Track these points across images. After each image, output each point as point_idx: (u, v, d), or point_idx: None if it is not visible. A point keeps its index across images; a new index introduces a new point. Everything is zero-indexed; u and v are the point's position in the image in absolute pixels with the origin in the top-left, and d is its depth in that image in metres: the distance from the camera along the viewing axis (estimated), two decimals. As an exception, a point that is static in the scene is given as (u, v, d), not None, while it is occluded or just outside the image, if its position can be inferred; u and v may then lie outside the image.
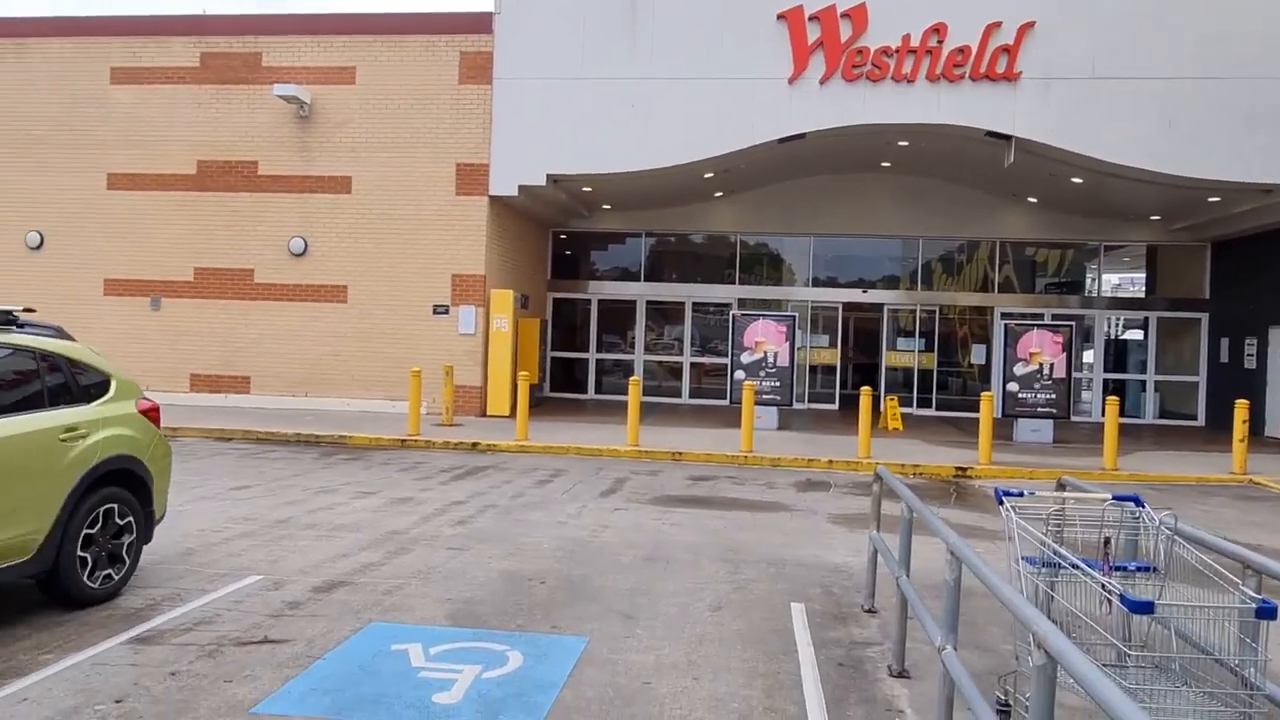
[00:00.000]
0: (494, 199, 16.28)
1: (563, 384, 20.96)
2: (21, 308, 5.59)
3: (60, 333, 5.81)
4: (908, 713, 4.35)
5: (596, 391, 20.89)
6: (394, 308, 16.40)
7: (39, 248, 17.26)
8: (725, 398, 18.91)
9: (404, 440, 13.15)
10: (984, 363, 19.93)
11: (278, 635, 5.06)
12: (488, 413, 16.37)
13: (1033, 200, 19.04)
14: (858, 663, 4.98)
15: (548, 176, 15.87)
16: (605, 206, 19.94)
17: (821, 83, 14.86)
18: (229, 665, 4.60)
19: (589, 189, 17.51)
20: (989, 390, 14.54)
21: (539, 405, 17.90)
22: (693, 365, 20.67)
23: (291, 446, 12.83)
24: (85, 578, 5.36)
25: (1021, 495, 4.15)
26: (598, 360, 20.98)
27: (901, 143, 16.38)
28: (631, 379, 13.28)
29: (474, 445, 12.97)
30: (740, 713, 4.28)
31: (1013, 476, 11.88)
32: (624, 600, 5.94)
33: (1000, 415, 15.25)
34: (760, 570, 6.83)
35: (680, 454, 12.63)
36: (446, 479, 10.45)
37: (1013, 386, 15.25)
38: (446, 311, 16.27)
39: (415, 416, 13.59)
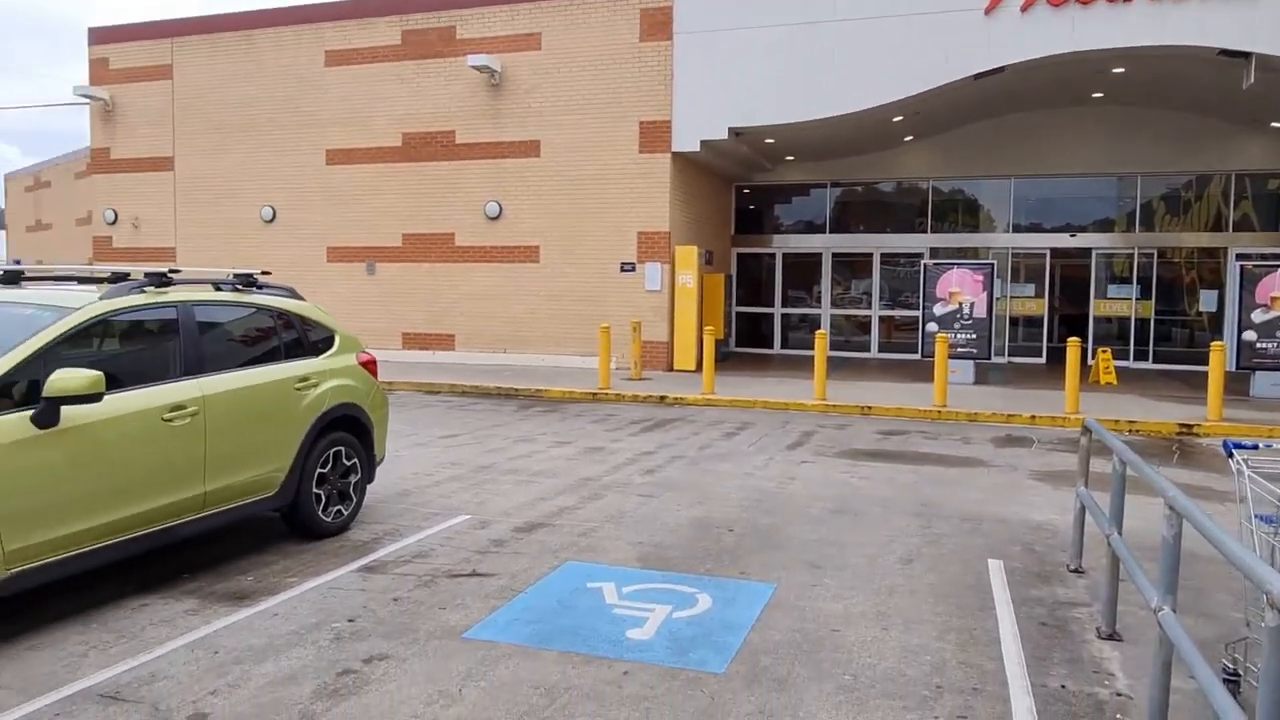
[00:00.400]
0: (676, 155, 16.35)
1: (748, 339, 20.93)
2: (260, 271, 6.25)
3: (292, 293, 6.45)
4: (1118, 676, 4.11)
5: (782, 347, 20.72)
6: (583, 266, 16.93)
7: (271, 221, 19.11)
8: (916, 352, 18.25)
9: (595, 394, 13.64)
10: (1214, 310, 18.03)
11: (484, 570, 5.45)
12: (674, 367, 16.64)
13: (1277, 125, 16.85)
14: (1062, 623, 4.73)
15: (729, 130, 15.74)
16: (788, 158, 19.55)
17: (1023, 9, 13.77)
18: (442, 594, 5.02)
19: (771, 141, 17.21)
20: (1220, 340, 13.15)
21: (724, 360, 18.00)
22: (881, 319, 20.03)
23: (493, 399, 13.63)
24: (320, 512, 5.99)
25: (1255, 448, 3.78)
26: (783, 315, 20.76)
27: (1116, 70, 14.92)
28: (817, 333, 13.06)
29: (661, 399, 13.25)
30: (933, 664, 4.19)
31: (1248, 435, 10.74)
32: (811, 550, 5.93)
33: (1234, 368, 13.78)
34: (954, 525, 6.60)
35: (869, 408, 12.33)
36: (636, 430, 10.76)
37: (1249, 335, 13.72)
38: (633, 269, 16.60)
39: (605, 371, 14.04)
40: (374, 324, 18.05)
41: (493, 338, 17.65)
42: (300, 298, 6.50)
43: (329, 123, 18.45)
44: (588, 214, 16.81)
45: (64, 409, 4.36)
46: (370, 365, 6.70)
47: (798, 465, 8.76)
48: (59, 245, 32.00)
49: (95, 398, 4.38)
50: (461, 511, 6.81)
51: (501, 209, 17.36)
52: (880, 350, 19.98)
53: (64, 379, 4.26)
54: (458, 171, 17.63)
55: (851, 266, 20.41)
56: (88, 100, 20.33)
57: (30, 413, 4.27)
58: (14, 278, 5.56)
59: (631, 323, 15.18)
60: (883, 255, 19.99)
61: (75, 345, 4.65)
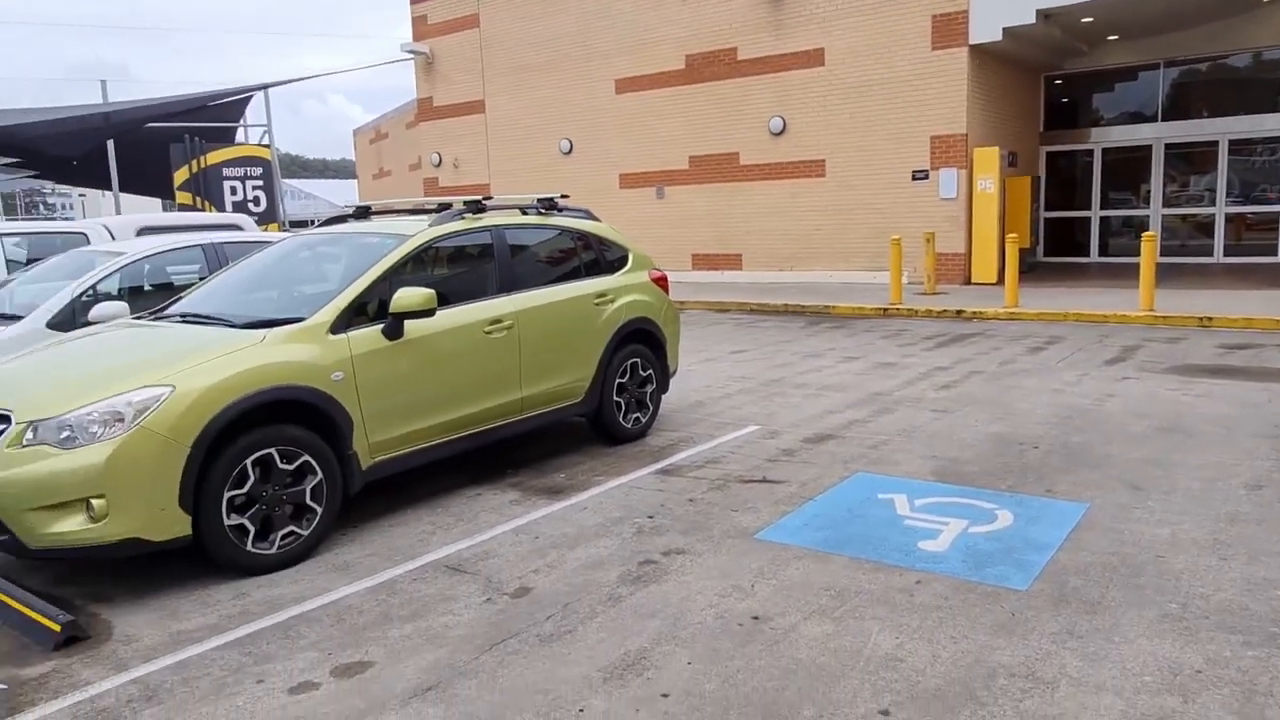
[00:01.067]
0: (974, 49, 15.00)
1: (1058, 247, 19.02)
2: (559, 195, 6.68)
3: (589, 215, 6.84)
4: None
5: (1100, 254, 18.60)
6: (871, 177, 16.24)
7: (569, 153, 20.28)
8: (1274, 254, 15.60)
9: (885, 309, 13.18)
10: None
11: (774, 477, 5.56)
12: (972, 280, 15.61)
13: None
14: None
15: (1038, 13, 14.12)
16: (1110, 38, 17.16)
17: None
18: (734, 498, 5.21)
19: (1089, 19, 15.19)
20: None
21: (1030, 271, 16.53)
22: (1228, 218, 17.26)
23: (780, 316, 13.66)
24: (620, 419, 6.41)
25: None
26: (1101, 219, 18.58)
27: None
28: (1145, 235, 11.56)
29: (958, 313, 12.52)
30: (1284, 599, 3.68)
31: None
32: (1132, 470, 5.39)
33: None
34: (1319, 449, 5.66)
35: (1208, 319, 10.79)
36: (930, 345, 10.30)
37: None
38: (926, 177, 15.65)
39: (896, 285, 13.50)
40: (664, 246, 18.69)
41: (779, 256, 17.58)
42: (596, 219, 6.88)
43: (616, 53, 19.04)
44: (875, 122, 16.02)
45: (406, 323, 5.00)
46: (661, 282, 6.98)
47: (1117, 382, 7.92)
48: (397, 190, 36.30)
49: (429, 313, 4.98)
50: (751, 422, 6.97)
51: (785, 124, 17.03)
52: (1226, 254, 17.28)
53: (405, 296, 4.89)
54: (740, 89, 17.51)
55: (1189, 159, 17.71)
56: (411, 55, 22.63)
57: (380, 327, 4.95)
58: (364, 213, 6.44)
59: (925, 234, 14.39)
60: (1231, 143, 17.11)
61: (411, 268, 5.30)
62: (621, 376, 6.42)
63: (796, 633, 3.55)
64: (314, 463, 4.53)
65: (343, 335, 4.78)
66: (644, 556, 4.39)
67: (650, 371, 6.66)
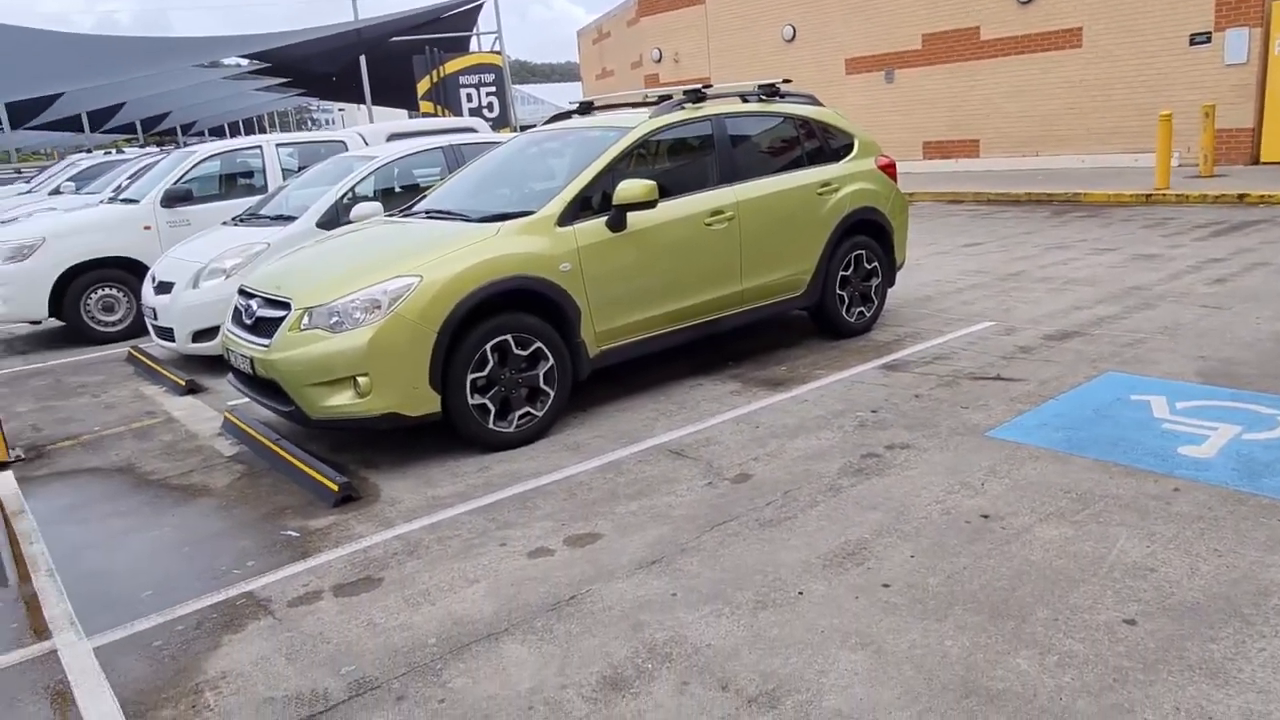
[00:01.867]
0: (1283, -122, 12.58)
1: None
2: (781, 80, 6.42)
3: (813, 100, 6.55)
4: None
5: None
6: (1137, 45, 14.31)
7: (791, 40, 19.42)
8: None
9: (1148, 195, 11.77)
10: None
11: (1009, 374, 5.22)
12: (1261, 159, 13.53)
13: None
14: None
15: None
16: None
17: None
18: (964, 395, 4.95)
19: None
20: None
21: (1338, 147, 14.05)
22: None
23: (1022, 206, 12.59)
24: (843, 312, 6.24)
25: None
26: None
27: None
28: None
29: (1240, 197, 10.94)
30: None
31: None
32: None
33: None
34: None
35: None
36: (1202, 235, 9.12)
37: None
38: (1207, 39, 13.57)
39: (1163, 168, 11.97)
40: (893, 134, 17.63)
41: (1021, 140, 16.08)
42: (820, 104, 6.57)
43: (845, -75, 17.78)
44: (1148, -22, 13.99)
45: (628, 215, 5.08)
46: (889, 169, 6.60)
47: None
48: (618, 88, 36.56)
49: (651, 204, 5.02)
50: (985, 318, 6.54)
51: (1036, -11, 15.29)
52: None
53: (628, 188, 4.95)
54: (984, -47, 15.85)
55: None
56: (632, -52, 22.33)
57: (604, 219, 5.06)
58: (586, 108, 6.53)
59: (1202, 107, 12.57)
60: None
61: (633, 161, 5.35)
62: (845, 269, 6.21)
63: (1030, 534, 3.36)
64: (546, 349, 4.78)
65: (569, 228, 4.94)
66: (866, 450, 4.30)
67: (875, 264, 6.39)
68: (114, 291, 8.54)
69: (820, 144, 6.27)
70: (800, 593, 3.09)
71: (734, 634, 2.86)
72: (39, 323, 9.11)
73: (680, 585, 3.20)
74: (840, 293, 6.20)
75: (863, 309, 6.36)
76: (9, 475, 5.06)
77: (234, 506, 4.33)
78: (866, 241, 6.31)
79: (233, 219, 7.96)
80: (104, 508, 4.49)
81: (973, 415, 4.63)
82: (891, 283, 6.61)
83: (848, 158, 6.36)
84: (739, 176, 5.72)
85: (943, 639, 2.74)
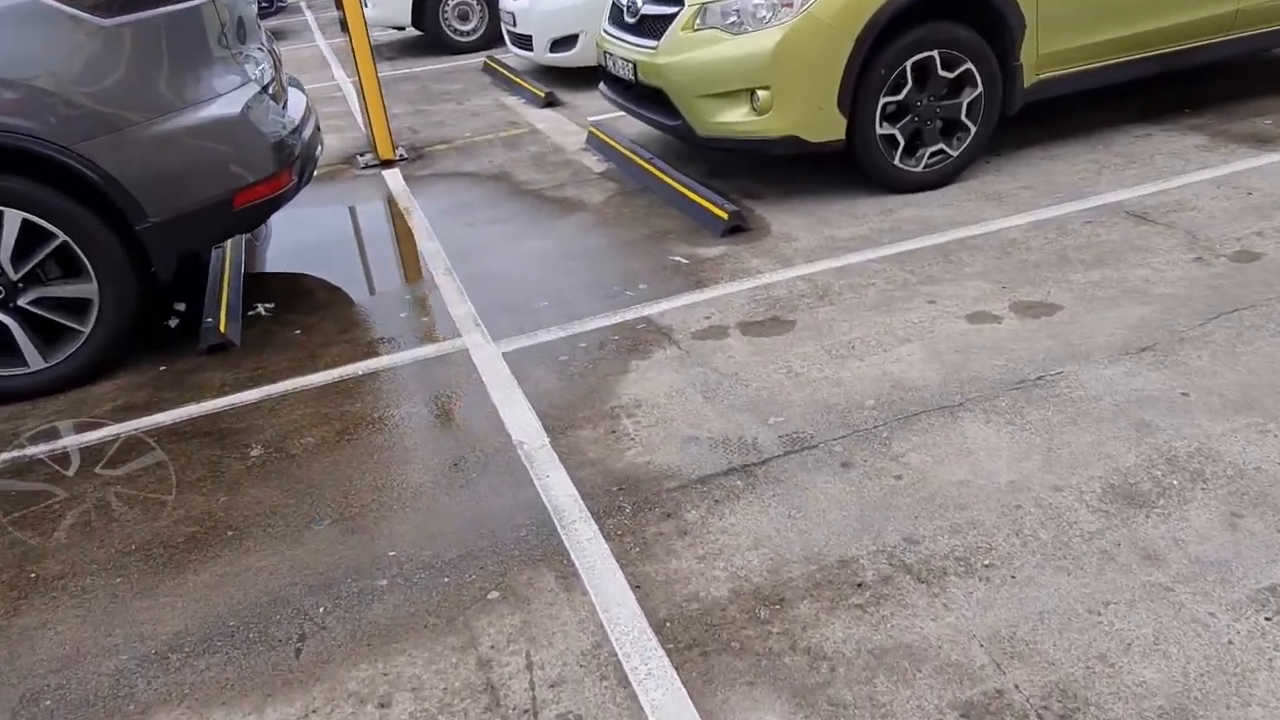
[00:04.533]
0: None
1: None
2: None
3: None
4: None
5: None
6: None
7: None
8: None
9: None
10: None
11: None
12: None
13: None
14: None
15: None
16: None
17: None
18: None
19: None
20: None
21: None
22: None
23: None
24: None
25: None
26: None
27: None
28: None
29: None
30: None
31: None
32: None
33: None
34: None
35: None
36: None
37: None
38: None
39: None
40: None
41: None
42: None
43: None
44: None
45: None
46: None
47: None
48: None
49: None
50: None
51: None
52: None
53: None
54: None
55: None
56: None
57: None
58: None
59: None
60: None
61: None
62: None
63: None
64: (975, 71, 3.87)
65: (1030, -91, 3.81)
66: None
67: None
68: (470, 0, 8.42)
69: None
70: (1382, 419, 2.25)
71: (1290, 460, 2.14)
72: (403, 28, 9.30)
73: (1191, 384, 2.47)
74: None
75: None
76: (396, 173, 5.16)
77: (611, 225, 4.07)
78: None
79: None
80: (486, 213, 4.42)
81: None
82: None
83: None
84: None
85: None
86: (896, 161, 3.94)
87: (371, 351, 3.17)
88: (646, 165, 4.49)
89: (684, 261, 3.60)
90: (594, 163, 4.97)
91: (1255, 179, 3.77)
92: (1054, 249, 3.35)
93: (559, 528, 2.17)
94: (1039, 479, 2.16)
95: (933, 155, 3.98)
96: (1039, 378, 2.57)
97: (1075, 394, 2.48)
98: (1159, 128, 4.50)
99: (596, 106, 5.83)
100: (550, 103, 6.25)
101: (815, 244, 3.62)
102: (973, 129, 3.98)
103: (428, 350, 3.14)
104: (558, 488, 2.32)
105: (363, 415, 2.77)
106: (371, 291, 3.72)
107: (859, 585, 1.90)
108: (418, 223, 4.37)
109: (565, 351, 3.01)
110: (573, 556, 2.07)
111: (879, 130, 3.85)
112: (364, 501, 2.35)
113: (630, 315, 3.21)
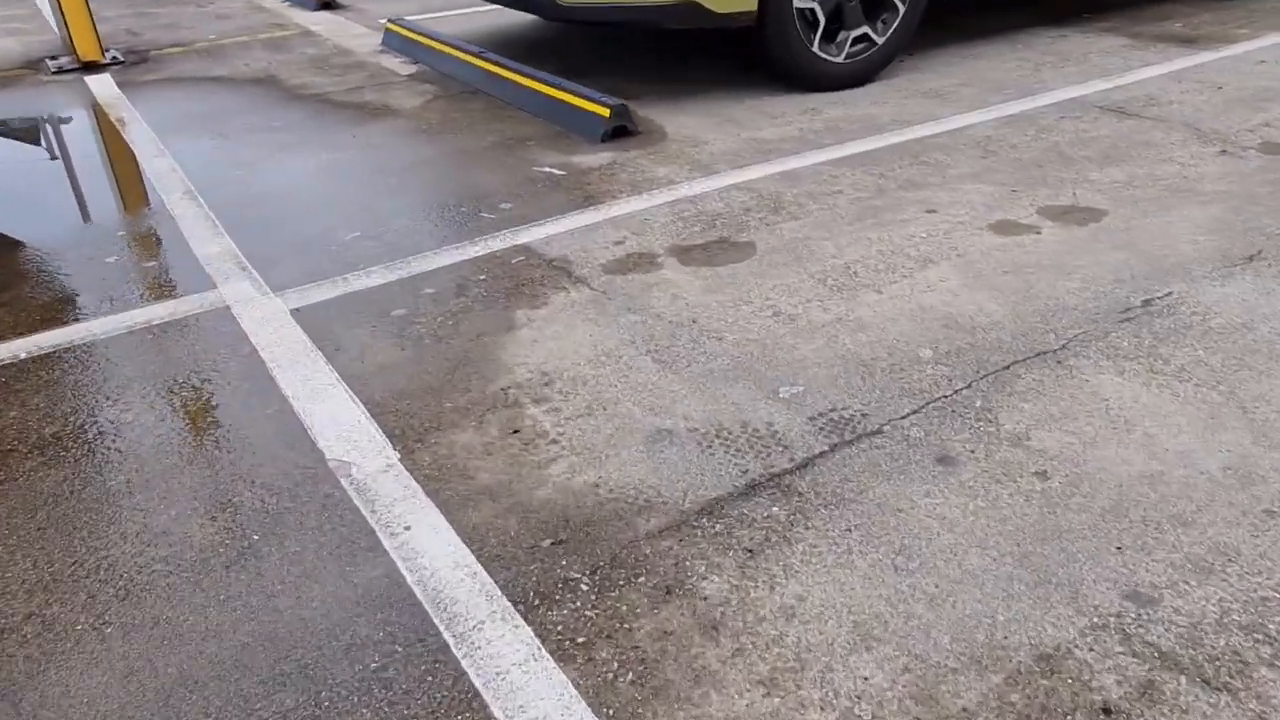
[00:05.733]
0: None
1: None
2: None
3: None
4: None
5: None
6: None
7: None
8: None
9: None
10: None
11: None
12: None
13: None
14: None
15: None
16: None
17: None
18: None
19: None
20: None
21: None
22: None
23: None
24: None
25: None
26: None
27: None
28: None
29: None
30: None
31: None
32: None
33: None
34: None
35: None
36: None
37: None
38: None
39: None
40: None
41: None
42: None
43: None
44: None
45: None
46: None
47: None
48: None
49: None
50: None
51: None
52: None
53: None
54: None
55: None
56: None
57: None
58: None
59: None
60: None
61: None
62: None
63: None
64: (906, -67, 3.02)
65: None
66: None
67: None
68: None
69: None
70: None
71: None
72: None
73: (1354, 300, 1.71)
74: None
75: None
76: (106, 78, 3.64)
77: (439, 133, 2.88)
78: None
79: None
80: (249, 119, 3.08)
81: None
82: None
83: None
84: None
85: None
86: (815, 48, 3.02)
87: (50, 319, 1.85)
88: (478, 60, 3.31)
89: (558, 173, 2.49)
90: (397, 64, 3.71)
91: (1213, 74, 3.20)
92: (1044, 146, 2.57)
93: (453, 648, 1.05)
94: (1268, 459, 1.30)
95: (855, 42, 3.10)
96: (1146, 302, 1.73)
97: (1211, 322, 1.65)
98: (1072, 29, 3.89)
99: (390, 9, 4.54)
100: (327, 4, 4.86)
101: (735, 147, 2.64)
102: (901, 8, 3.14)
103: (156, 311, 1.86)
104: (433, 551, 1.19)
105: (19, 437, 1.48)
106: (59, 230, 2.33)
107: (1105, 713, 0.94)
108: (138, 134, 2.95)
109: (402, 303, 1.85)
110: None
111: (797, 3, 2.91)
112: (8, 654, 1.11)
113: (497, 244, 2.08)
